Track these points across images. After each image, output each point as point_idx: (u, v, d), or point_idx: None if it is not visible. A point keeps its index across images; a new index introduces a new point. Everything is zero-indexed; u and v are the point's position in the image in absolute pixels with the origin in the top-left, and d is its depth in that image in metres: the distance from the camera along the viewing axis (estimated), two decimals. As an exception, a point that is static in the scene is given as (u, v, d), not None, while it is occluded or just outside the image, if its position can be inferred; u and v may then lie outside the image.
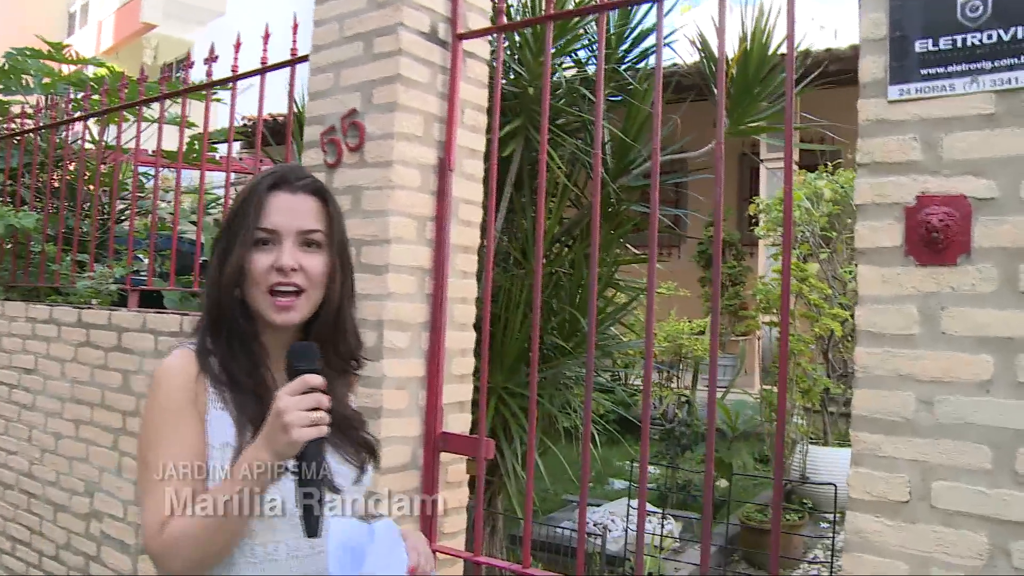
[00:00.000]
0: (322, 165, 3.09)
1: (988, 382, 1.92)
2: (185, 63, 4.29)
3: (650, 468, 6.18)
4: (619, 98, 4.43)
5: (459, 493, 3.16)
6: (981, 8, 1.97)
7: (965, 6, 1.99)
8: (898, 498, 2.00)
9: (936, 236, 1.97)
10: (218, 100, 4.93)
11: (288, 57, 3.49)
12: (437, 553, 2.97)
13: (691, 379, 6.77)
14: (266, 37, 3.63)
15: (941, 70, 2.01)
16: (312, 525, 1.46)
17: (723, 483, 5.44)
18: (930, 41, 2.02)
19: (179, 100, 4.38)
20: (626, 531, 4.66)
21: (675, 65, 5.07)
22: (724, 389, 6.63)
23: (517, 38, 4.09)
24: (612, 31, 4.47)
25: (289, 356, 1.51)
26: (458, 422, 3.10)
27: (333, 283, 1.65)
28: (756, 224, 6.74)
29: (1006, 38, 1.94)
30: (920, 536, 1.97)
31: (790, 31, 2.42)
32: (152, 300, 4.44)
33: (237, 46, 3.82)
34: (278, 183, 1.63)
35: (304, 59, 3.31)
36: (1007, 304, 1.91)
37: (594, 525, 4.81)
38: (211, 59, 3.87)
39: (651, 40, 4.46)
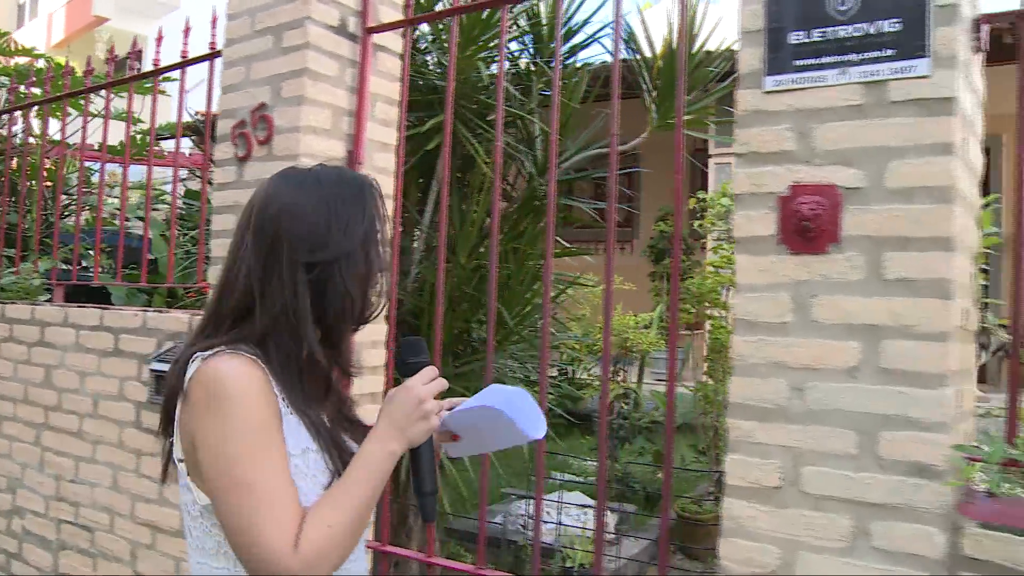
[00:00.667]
0: (233, 158, 3.09)
1: (855, 368, 1.96)
2: (131, 55, 4.25)
3: (590, 461, 6.21)
4: (549, 93, 4.44)
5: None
6: (851, 2, 2.00)
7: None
8: (770, 484, 2.03)
9: (807, 225, 2.00)
10: (163, 93, 4.91)
11: (212, 51, 3.47)
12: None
13: (637, 373, 6.81)
14: (213, 21, 3.61)
15: (814, 61, 2.04)
16: (431, 510, 1.53)
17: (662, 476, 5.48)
18: (804, 33, 2.05)
19: (125, 94, 4.33)
20: (558, 523, 4.68)
21: (604, 63, 5.10)
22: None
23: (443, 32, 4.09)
24: (544, 23, 4.49)
25: (403, 352, 1.54)
26: (371, 413, 3.10)
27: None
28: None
29: (872, 32, 1.97)
30: (790, 520, 2.01)
31: (682, 27, 2.45)
32: (101, 296, 4.42)
33: (186, 31, 3.78)
34: (378, 186, 1.60)
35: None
36: (873, 292, 1.94)
37: (528, 518, 4.83)
38: (135, 53, 3.85)
39: (581, 35, 4.47)
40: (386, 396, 1.52)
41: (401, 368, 1.53)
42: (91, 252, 5.68)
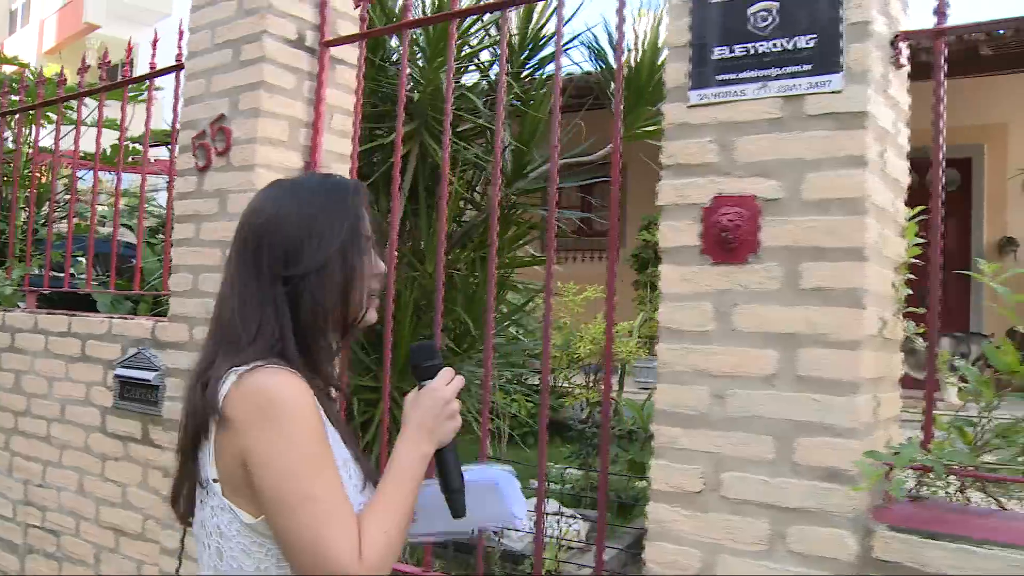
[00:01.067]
0: (193, 168, 3.15)
1: (773, 376, 2.00)
2: (102, 65, 4.31)
3: (568, 469, 6.25)
4: (518, 103, 4.50)
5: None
6: (769, 19, 2.06)
7: (756, 16, 2.07)
8: (693, 488, 2.08)
9: (727, 235, 2.05)
10: (134, 100, 4.98)
11: (178, 63, 3.54)
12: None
13: (619, 381, 6.86)
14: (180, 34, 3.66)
15: (735, 76, 2.09)
16: (460, 506, 1.54)
17: (642, 483, 5.51)
18: (726, 49, 2.11)
19: (114, 101, 4.39)
20: (528, 531, 4.71)
21: (570, 75, 5.17)
22: (650, 390, 6.71)
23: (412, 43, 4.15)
24: (514, 33, 4.55)
25: (417, 357, 1.58)
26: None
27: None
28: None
29: (790, 48, 2.03)
30: (711, 524, 2.05)
31: (619, 46, 2.50)
32: (89, 304, 4.47)
33: (154, 43, 3.86)
34: (366, 195, 1.60)
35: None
36: (790, 301, 1.99)
37: (500, 524, 4.86)
38: (105, 63, 3.91)
39: (551, 46, 4.53)
40: (408, 400, 1.55)
41: (417, 372, 1.56)
42: (76, 259, 5.76)
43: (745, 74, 2.08)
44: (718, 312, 2.08)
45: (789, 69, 2.03)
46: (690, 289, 2.12)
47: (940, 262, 2.12)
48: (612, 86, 4.30)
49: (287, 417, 1.36)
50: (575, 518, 5.16)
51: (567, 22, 4.69)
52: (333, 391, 1.65)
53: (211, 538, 1.44)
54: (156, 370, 3.29)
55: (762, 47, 2.06)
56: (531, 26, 4.54)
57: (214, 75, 3.14)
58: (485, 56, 4.69)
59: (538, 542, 2.65)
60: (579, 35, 4.62)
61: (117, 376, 3.43)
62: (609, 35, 4.32)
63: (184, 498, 1.52)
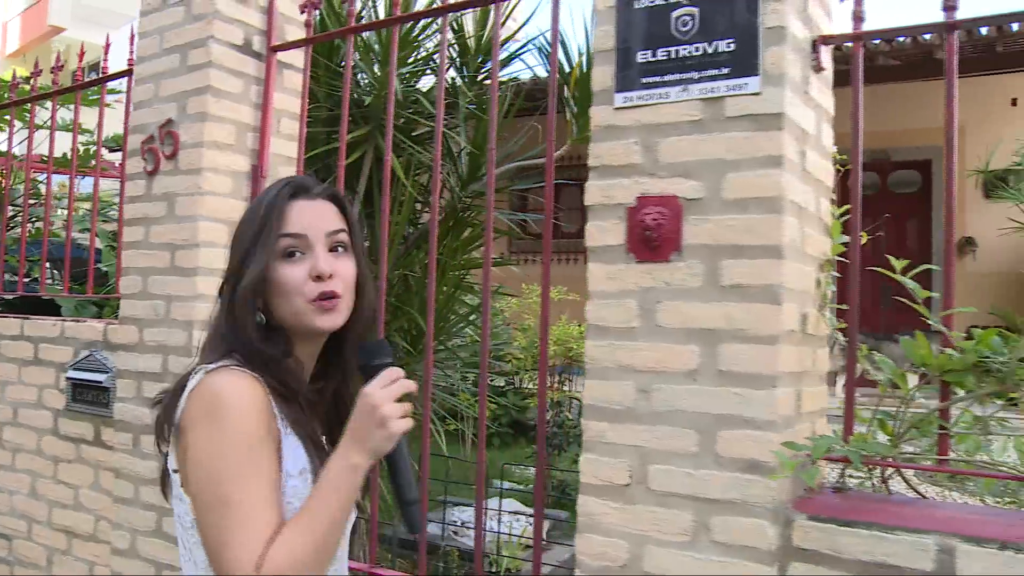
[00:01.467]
0: (142, 172, 3.18)
1: (695, 371, 2.06)
2: (54, 69, 4.33)
3: (528, 469, 6.31)
4: (473, 107, 4.55)
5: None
6: (691, 23, 2.11)
7: (678, 20, 2.13)
8: (620, 481, 2.13)
9: (650, 235, 2.10)
10: (87, 103, 4.98)
11: (130, 67, 3.56)
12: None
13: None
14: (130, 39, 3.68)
15: (659, 79, 2.15)
16: (415, 519, 1.46)
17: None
18: (649, 52, 2.16)
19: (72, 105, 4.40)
20: (489, 530, 4.76)
21: (521, 81, 5.24)
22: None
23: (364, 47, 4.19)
24: (471, 36, 4.60)
25: (362, 356, 1.48)
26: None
27: (363, 287, 1.59)
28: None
29: (710, 51, 2.08)
30: (638, 516, 2.10)
31: (554, 47, 2.55)
32: (52, 309, 4.47)
33: (106, 48, 3.88)
34: (297, 191, 1.55)
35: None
36: (711, 298, 2.05)
37: (461, 525, 4.92)
38: (57, 67, 3.93)
39: (506, 50, 4.58)
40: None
41: (364, 373, 1.47)
42: (37, 263, 5.75)
43: (668, 77, 2.13)
44: (643, 309, 2.13)
45: (709, 72, 2.08)
46: (616, 287, 2.17)
47: (859, 261, 2.18)
48: (566, 91, 4.37)
49: (225, 419, 1.36)
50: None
51: (523, 26, 4.75)
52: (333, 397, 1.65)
53: (176, 527, 1.48)
54: (107, 372, 3.31)
55: (684, 51, 2.12)
56: (487, 29, 4.59)
57: (162, 80, 3.17)
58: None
59: (477, 544, 2.68)
60: (533, 39, 4.66)
61: (69, 379, 3.45)
62: (562, 40, 4.37)
63: (165, 485, 1.53)
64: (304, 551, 1.32)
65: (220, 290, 1.56)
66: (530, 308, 6.96)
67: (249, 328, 1.48)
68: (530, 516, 5.19)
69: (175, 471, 1.44)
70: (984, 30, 6.94)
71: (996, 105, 8.35)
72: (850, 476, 2.29)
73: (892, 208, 9.07)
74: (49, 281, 5.70)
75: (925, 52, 6.99)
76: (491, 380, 6.97)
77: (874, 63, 7.31)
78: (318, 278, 1.49)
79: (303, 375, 1.56)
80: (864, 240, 2.59)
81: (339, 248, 1.55)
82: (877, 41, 7.10)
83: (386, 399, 1.39)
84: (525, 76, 5.44)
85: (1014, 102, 8.39)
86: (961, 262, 9.05)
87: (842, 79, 2.23)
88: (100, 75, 3.73)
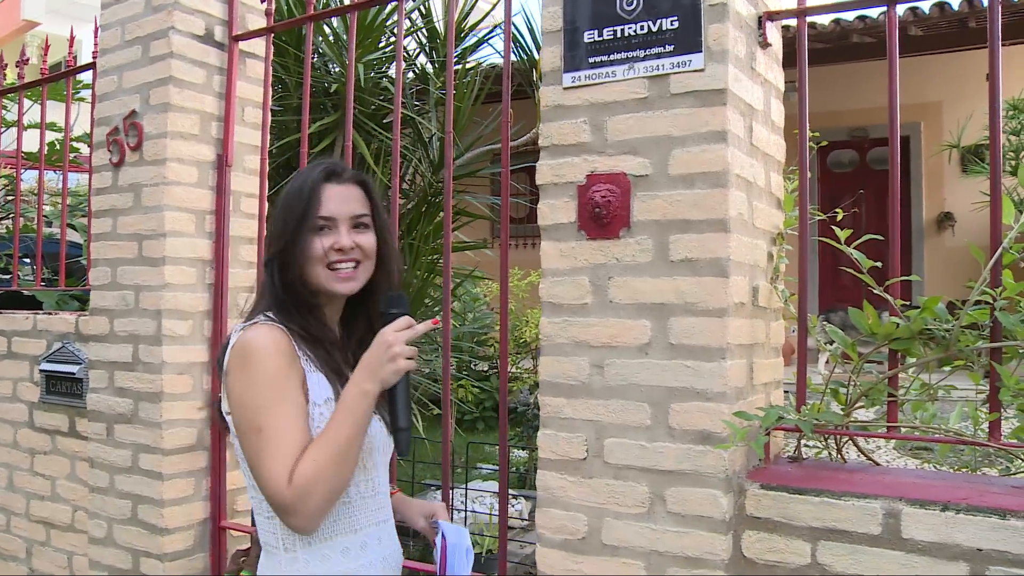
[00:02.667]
0: (108, 164, 3.20)
1: (647, 345, 2.09)
2: (19, 63, 4.33)
3: (514, 451, 6.35)
4: (443, 92, 4.57)
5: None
6: (635, 2, 2.13)
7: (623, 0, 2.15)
8: (577, 456, 2.16)
9: (600, 212, 2.13)
10: (53, 97, 4.98)
11: (95, 60, 3.56)
12: (229, 531, 3.10)
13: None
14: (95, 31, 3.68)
15: (605, 58, 2.17)
16: (404, 444, 1.76)
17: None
18: (596, 32, 2.18)
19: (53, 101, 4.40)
20: (471, 511, 4.81)
21: (493, 65, 5.26)
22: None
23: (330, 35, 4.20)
24: (439, 20, 4.62)
25: (385, 304, 1.78)
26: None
27: (384, 255, 1.87)
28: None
29: (655, 29, 2.11)
30: (596, 490, 2.14)
31: (507, 44, 2.57)
32: (34, 304, 4.47)
33: (71, 41, 3.88)
34: (329, 176, 1.83)
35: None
36: (661, 273, 2.08)
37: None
38: (23, 61, 3.93)
39: (474, 36, 4.59)
40: None
41: (382, 320, 1.74)
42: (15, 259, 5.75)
43: (614, 56, 2.16)
44: (595, 285, 2.16)
45: (654, 50, 2.10)
46: (568, 264, 2.19)
47: (807, 234, 2.22)
48: (534, 74, 4.39)
49: (252, 363, 1.65)
50: (517, 498, 5.25)
51: (490, 11, 4.76)
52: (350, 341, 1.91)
53: (240, 461, 1.74)
54: (80, 363, 3.33)
55: (629, 29, 2.14)
56: (457, 14, 4.61)
57: (125, 71, 3.18)
58: (413, 46, 4.75)
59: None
60: (502, 24, 4.66)
61: (43, 371, 3.47)
62: (529, 25, 4.38)
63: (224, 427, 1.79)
64: (326, 462, 1.59)
65: (266, 263, 1.83)
66: (512, 292, 6.99)
67: (283, 286, 1.78)
68: (514, 498, 5.23)
69: (228, 414, 1.71)
70: (956, 5, 6.98)
71: (971, 80, 8.38)
72: (807, 446, 2.33)
73: (871, 184, 9.11)
74: (31, 277, 5.71)
75: (900, 29, 6.99)
76: (474, 365, 7.00)
77: (849, 41, 7.33)
78: (339, 251, 1.77)
79: (327, 323, 1.84)
80: (840, 216, 2.62)
81: (361, 225, 1.83)
82: (851, 19, 7.13)
83: (398, 340, 1.68)
84: (497, 60, 5.46)
85: (988, 77, 8.39)
86: (939, 237, 9.10)
87: (819, 58, 2.25)
88: (66, 69, 3.73)
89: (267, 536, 1.74)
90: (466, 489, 4.93)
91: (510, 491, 5.34)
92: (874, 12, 7.47)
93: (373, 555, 1.80)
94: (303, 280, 1.78)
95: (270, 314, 1.75)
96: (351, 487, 1.75)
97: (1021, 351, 2.02)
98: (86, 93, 5.33)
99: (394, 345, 1.67)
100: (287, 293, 1.77)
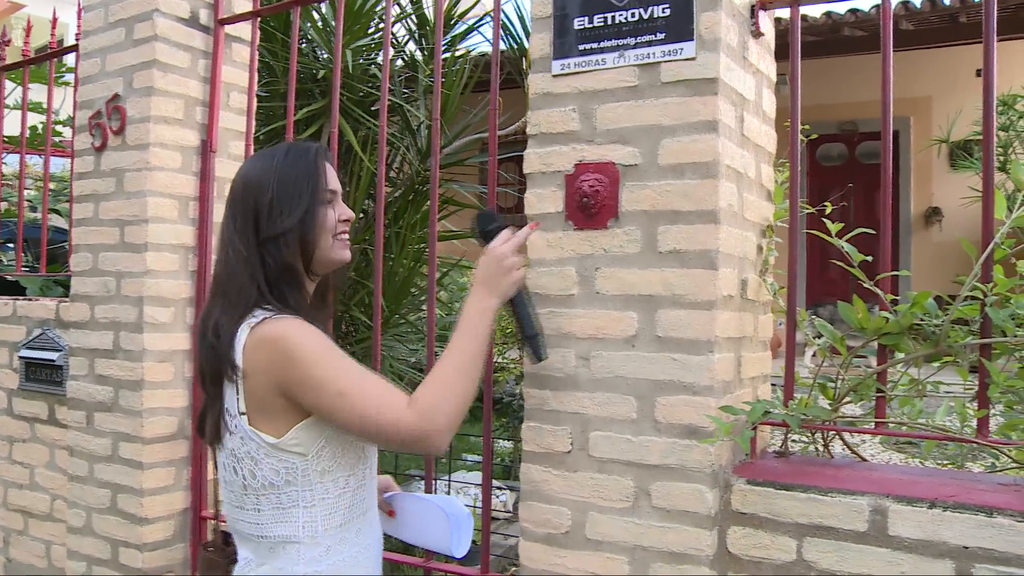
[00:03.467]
0: (90, 148, 3.15)
1: (634, 337, 2.06)
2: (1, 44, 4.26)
3: (499, 442, 6.32)
4: (432, 80, 4.52)
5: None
6: (627, -12, 2.10)
7: (614, -15, 2.11)
8: (562, 449, 2.14)
9: (588, 201, 2.10)
10: (33, 80, 4.92)
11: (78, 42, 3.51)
12: (211, 520, 3.06)
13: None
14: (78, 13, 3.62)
15: (595, 45, 2.13)
16: (540, 349, 1.94)
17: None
18: (586, 19, 2.15)
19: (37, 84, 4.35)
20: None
21: (483, 53, 5.22)
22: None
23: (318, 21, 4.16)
24: (428, 7, 4.57)
25: (483, 222, 1.88)
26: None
27: None
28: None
29: (646, 16, 2.07)
30: (580, 483, 2.11)
31: (495, 35, 2.54)
32: (18, 290, 4.42)
33: (53, 22, 3.84)
34: (325, 154, 1.88)
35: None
36: (649, 264, 2.05)
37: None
38: (4, 42, 3.88)
39: (464, 24, 4.55)
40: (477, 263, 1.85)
41: (481, 237, 1.84)
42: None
43: (604, 43, 2.12)
44: (581, 276, 2.13)
45: (645, 38, 2.07)
46: (555, 255, 2.16)
47: (798, 227, 2.19)
48: (524, 63, 4.35)
49: (302, 346, 1.65)
50: (502, 489, 5.23)
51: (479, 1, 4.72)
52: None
53: (243, 462, 1.71)
54: (60, 350, 3.29)
55: (620, 17, 2.11)
56: (447, 3, 4.56)
57: (108, 54, 3.13)
58: (402, 32, 4.71)
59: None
60: (489, 13, 4.62)
61: (22, 358, 3.43)
62: (519, 13, 4.35)
63: (210, 426, 1.76)
64: (447, 378, 1.70)
65: (266, 242, 1.75)
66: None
67: (284, 265, 1.76)
68: (499, 489, 5.21)
69: (242, 413, 1.69)
70: (948, 0, 6.96)
71: (961, 75, 8.39)
72: (794, 441, 2.31)
73: (861, 178, 9.12)
74: (7, 261, 5.65)
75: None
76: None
77: (840, 34, 7.31)
78: (345, 221, 1.86)
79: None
80: (829, 210, 2.60)
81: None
82: (843, 12, 7.11)
83: (509, 251, 1.81)
84: (486, 49, 5.42)
85: (978, 72, 8.41)
86: (927, 232, 9.11)
87: (809, 51, 2.22)
88: (49, 51, 3.68)
89: (285, 529, 1.73)
90: (449, 481, 4.91)
91: (494, 482, 5.32)
92: (865, 5, 7.47)
93: (373, 536, 1.88)
94: (316, 256, 1.81)
95: (269, 308, 1.73)
96: (366, 469, 1.83)
97: (1011, 348, 2.00)
98: (70, 77, 5.28)
99: (507, 257, 1.80)
100: (286, 272, 1.76)
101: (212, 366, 1.72)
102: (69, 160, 6.49)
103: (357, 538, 1.80)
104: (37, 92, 5.69)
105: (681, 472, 1.99)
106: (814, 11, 7.24)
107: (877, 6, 6.24)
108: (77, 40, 3.49)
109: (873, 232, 2.19)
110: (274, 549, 1.74)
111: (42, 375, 3.35)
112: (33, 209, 6.31)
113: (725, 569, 1.99)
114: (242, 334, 1.68)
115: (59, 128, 6.11)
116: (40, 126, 5.90)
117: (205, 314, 1.78)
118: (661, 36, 2.05)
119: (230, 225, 1.79)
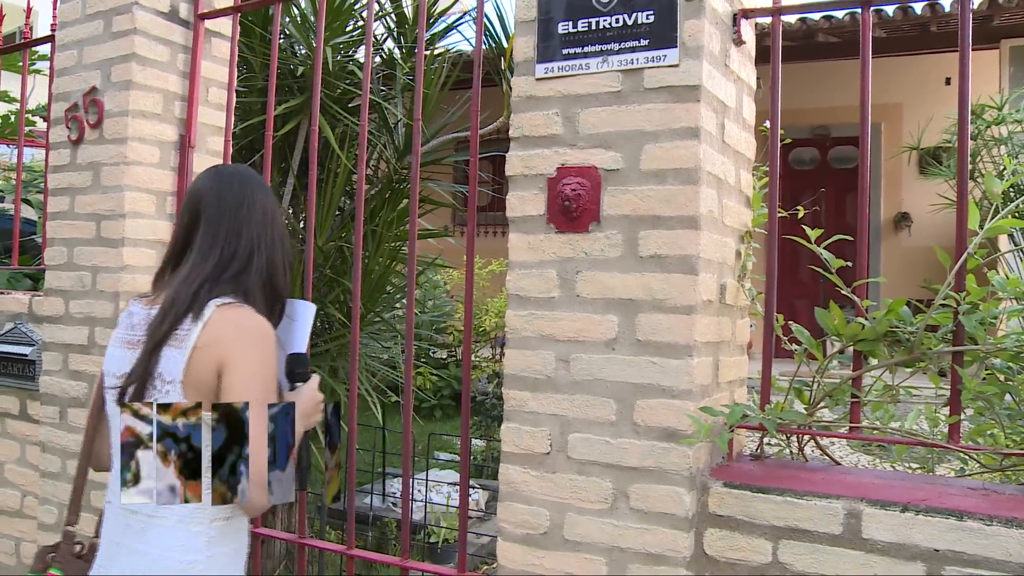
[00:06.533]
0: (66, 141, 3.12)
1: (614, 340, 2.08)
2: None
3: (474, 440, 6.34)
4: (411, 78, 4.52)
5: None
6: (611, -7, 2.12)
7: (598, -9, 2.13)
8: (541, 450, 2.15)
9: (569, 205, 2.11)
10: (8, 69, 4.88)
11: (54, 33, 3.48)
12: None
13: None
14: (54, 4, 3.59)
15: (579, 50, 2.15)
16: (305, 480, 2.01)
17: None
18: (571, 23, 2.16)
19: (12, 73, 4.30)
20: (429, 501, 4.79)
21: (461, 52, 5.23)
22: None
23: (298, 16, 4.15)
24: (408, 5, 4.57)
25: (292, 364, 2.02)
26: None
27: None
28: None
29: (630, 22, 2.09)
30: (559, 485, 2.13)
31: (479, 35, 2.55)
32: None
33: (28, 12, 3.80)
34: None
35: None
36: (630, 268, 2.07)
37: (399, 496, 4.92)
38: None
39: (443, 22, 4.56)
40: (289, 395, 1.97)
41: (293, 377, 2.00)
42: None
43: (588, 48, 2.14)
44: (562, 279, 2.14)
45: (629, 44, 2.09)
46: (536, 257, 2.18)
47: (776, 232, 2.22)
48: (503, 63, 4.36)
49: (264, 342, 1.83)
50: (475, 488, 5.24)
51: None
52: None
53: None
54: (33, 345, 3.26)
55: (604, 22, 2.12)
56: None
57: (86, 46, 3.11)
58: (381, 30, 4.70)
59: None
60: (472, 10, 4.63)
61: (-6, 351, 3.39)
62: (499, 12, 4.35)
63: (135, 389, 1.81)
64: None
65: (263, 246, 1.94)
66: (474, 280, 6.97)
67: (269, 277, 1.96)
68: (471, 488, 5.22)
69: (180, 380, 1.77)
70: (919, 10, 7.04)
71: (931, 84, 8.50)
72: (768, 444, 2.34)
73: (832, 183, 9.20)
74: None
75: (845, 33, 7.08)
76: (433, 352, 6.98)
77: (814, 40, 7.38)
78: None
79: None
80: (801, 214, 2.63)
81: None
82: (817, 18, 7.18)
83: (319, 394, 2.02)
84: (465, 48, 5.43)
85: (948, 81, 8.55)
86: (896, 237, 9.22)
87: (783, 56, 2.24)
88: (23, 40, 3.64)
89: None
90: (426, 479, 4.92)
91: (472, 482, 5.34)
92: (840, 12, 7.54)
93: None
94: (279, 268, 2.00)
95: (241, 297, 1.88)
96: None
97: (982, 355, 2.04)
98: (42, 65, 5.22)
99: (318, 398, 2.01)
100: (275, 272, 1.96)
101: (171, 323, 1.81)
102: (39, 151, 6.44)
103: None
104: (7, 80, 5.65)
105: (659, 474, 2.01)
106: (789, 17, 7.31)
107: (852, 13, 6.31)
108: (53, 31, 3.47)
109: (851, 240, 2.22)
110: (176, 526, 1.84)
111: (14, 370, 3.32)
112: (0, 199, 6.24)
113: (702, 570, 2.01)
114: (209, 308, 1.81)
115: (30, 117, 6.03)
116: (12, 116, 5.83)
117: (186, 281, 1.87)
118: (645, 42, 2.07)
119: (256, 214, 1.95)
